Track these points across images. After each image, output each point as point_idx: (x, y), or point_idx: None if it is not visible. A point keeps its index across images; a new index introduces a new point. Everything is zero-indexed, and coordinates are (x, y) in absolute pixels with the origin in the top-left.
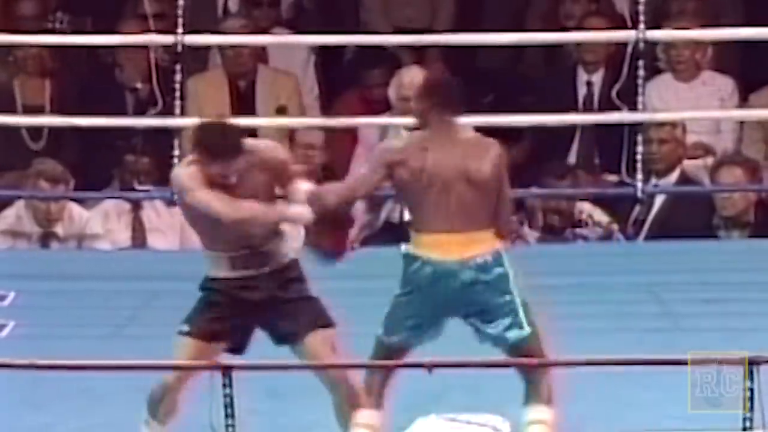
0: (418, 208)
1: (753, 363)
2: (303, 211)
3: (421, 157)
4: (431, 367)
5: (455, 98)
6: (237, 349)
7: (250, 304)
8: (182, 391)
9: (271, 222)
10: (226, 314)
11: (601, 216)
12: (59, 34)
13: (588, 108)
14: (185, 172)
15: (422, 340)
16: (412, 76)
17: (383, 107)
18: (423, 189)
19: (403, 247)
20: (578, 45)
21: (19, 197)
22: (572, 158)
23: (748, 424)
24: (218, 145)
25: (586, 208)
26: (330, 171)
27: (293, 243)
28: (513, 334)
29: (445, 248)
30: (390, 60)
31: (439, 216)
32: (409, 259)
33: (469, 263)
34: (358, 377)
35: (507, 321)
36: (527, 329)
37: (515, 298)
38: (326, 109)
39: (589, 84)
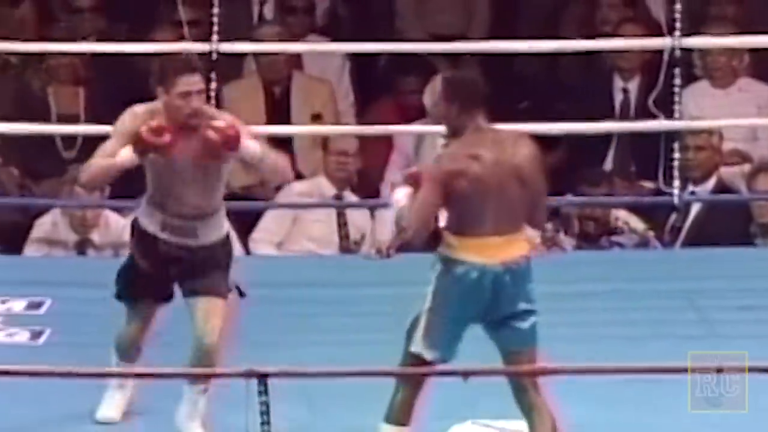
0: (466, 214)
1: None
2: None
3: (476, 164)
4: (466, 374)
5: (481, 94)
6: (167, 298)
7: (166, 263)
8: (145, 334)
9: (116, 170)
10: (151, 271)
11: (637, 223)
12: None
13: (624, 115)
14: (132, 111)
15: (456, 351)
16: None
17: (418, 114)
18: (480, 195)
19: (443, 252)
20: (614, 52)
21: (55, 205)
22: (608, 165)
23: None
24: (180, 59)
25: (622, 215)
26: (364, 178)
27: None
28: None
29: (489, 252)
30: (425, 67)
31: (487, 219)
32: (451, 263)
33: (510, 266)
34: (223, 339)
35: (533, 317)
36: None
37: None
38: (361, 116)
39: (625, 91)
